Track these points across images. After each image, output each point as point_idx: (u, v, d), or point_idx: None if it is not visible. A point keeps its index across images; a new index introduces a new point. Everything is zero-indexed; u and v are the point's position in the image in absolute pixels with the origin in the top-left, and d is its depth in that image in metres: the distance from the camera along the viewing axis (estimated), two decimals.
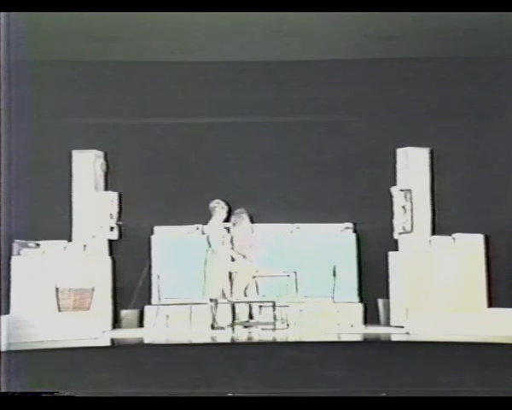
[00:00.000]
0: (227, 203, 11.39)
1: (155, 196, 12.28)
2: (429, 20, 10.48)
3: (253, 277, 11.28)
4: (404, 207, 11.69)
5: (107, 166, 12.17)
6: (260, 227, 12.08)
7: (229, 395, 7.22)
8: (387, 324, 11.54)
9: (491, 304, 11.20)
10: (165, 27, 10.85)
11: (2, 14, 8.02)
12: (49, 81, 11.97)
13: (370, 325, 11.64)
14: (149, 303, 11.83)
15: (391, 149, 11.91)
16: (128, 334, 10.88)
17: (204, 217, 11.40)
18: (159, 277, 11.76)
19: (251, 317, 11.09)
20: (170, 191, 12.33)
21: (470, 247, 11.33)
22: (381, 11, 9.62)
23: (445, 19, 10.38)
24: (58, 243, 11.52)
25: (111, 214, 11.93)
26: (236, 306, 10.90)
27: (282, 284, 11.12)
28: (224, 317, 10.90)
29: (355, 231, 12.15)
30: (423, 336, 9.60)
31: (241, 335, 10.24)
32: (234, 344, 9.25)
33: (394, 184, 11.86)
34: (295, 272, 11.21)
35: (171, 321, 11.49)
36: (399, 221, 11.71)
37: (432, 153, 11.92)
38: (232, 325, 10.69)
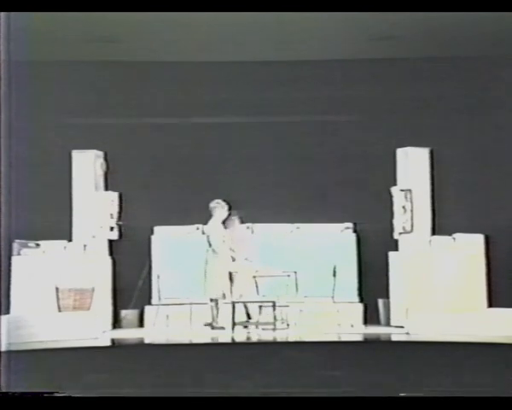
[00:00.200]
0: (227, 203, 11.39)
1: (155, 196, 12.28)
2: (429, 20, 10.48)
3: (253, 277, 11.28)
4: (404, 207, 11.70)
5: (107, 166, 12.17)
6: (260, 227, 12.09)
7: (229, 395, 7.22)
8: (387, 324, 11.55)
9: (491, 304, 11.20)
10: (166, 27, 10.85)
11: (2, 14, 8.02)
12: (49, 81, 11.97)
13: (370, 325, 11.65)
14: (149, 303, 11.84)
15: (391, 149, 11.92)
16: (128, 334, 10.88)
17: (204, 217, 11.40)
18: (159, 277, 11.76)
19: (249, 316, 11.08)
20: (170, 191, 12.33)
21: (470, 247, 11.34)
22: (381, 11, 9.62)
23: (445, 19, 10.37)
24: (58, 243, 11.53)
25: (111, 214, 11.95)
26: (236, 306, 10.90)
27: (282, 284, 11.12)
28: (223, 317, 10.90)
29: (355, 231, 12.16)
30: (423, 336, 9.59)
31: (241, 335, 10.25)
32: (234, 344, 9.25)
33: (394, 184, 11.87)
34: (295, 272, 11.20)
35: (171, 321, 11.49)
36: (399, 221, 11.71)
37: (432, 153, 11.93)
38: (232, 325, 10.68)
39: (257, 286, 11.39)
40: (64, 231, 11.67)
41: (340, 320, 11.42)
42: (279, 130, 12.45)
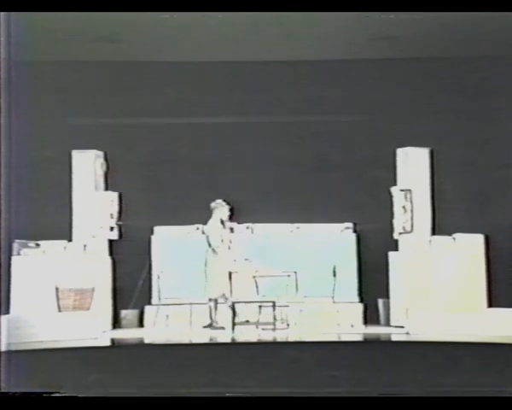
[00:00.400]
0: (228, 203, 11.38)
1: (155, 196, 12.28)
2: (429, 20, 10.48)
3: (253, 277, 11.28)
4: (404, 207, 11.69)
5: (107, 166, 12.17)
6: (260, 227, 12.09)
7: (229, 395, 7.22)
8: (387, 324, 11.54)
9: (491, 304, 11.20)
10: (166, 27, 10.84)
11: (2, 14, 8.02)
12: (49, 81, 11.97)
13: (370, 325, 11.64)
14: (149, 303, 11.83)
15: (391, 149, 11.92)
16: (128, 334, 10.87)
17: (204, 217, 11.39)
18: (159, 277, 11.76)
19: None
20: (170, 191, 12.32)
21: (470, 247, 11.33)
22: (381, 11, 9.62)
23: (445, 19, 10.37)
24: (58, 243, 11.52)
25: (111, 214, 11.94)
26: (236, 306, 10.90)
27: (282, 284, 11.12)
28: (224, 317, 10.91)
29: (355, 231, 12.16)
30: (423, 336, 9.59)
31: (242, 335, 10.25)
32: (234, 344, 9.25)
33: (394, 184, 11.87)
34: (295, 272, 11.21)
35: (171, 321, 11.49)
36: (399, 221, 11.71)
37: (432, 153, 11.93)
38: (232, 325, 10.69)
39: (257, 286, 11.39)
40: (64, 231, 11.67)
41: (340, 320, 11.42)
42: (279, 130, 12.45)
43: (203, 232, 11.59)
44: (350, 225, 12.15)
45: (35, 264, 11.28)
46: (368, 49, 11.86)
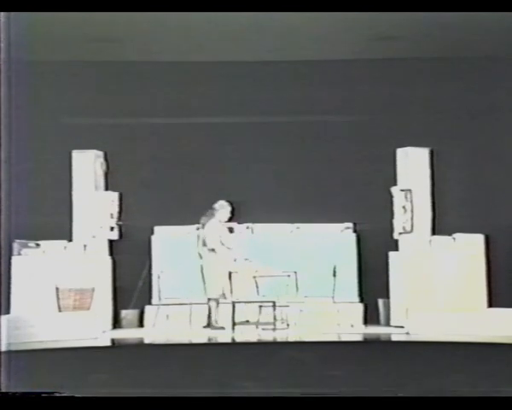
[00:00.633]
0: (230, 204, 11.38)
1: (155, 196, 12.28)
2: (429, 20, 10.47)
3: (253, 277, 11.28)
4: (404, 207, 11.70)
5: (107, 166, 12.18)
6: (260, 227, 12.09)
7: (229, 395, 7.21)
8: (387, 324, 11.54)
9: (491, 304, 11.21)
10: (166, 27, 10.85)
11: (2, 14, 8.02)
12: (49, 81, 11.97)
13: (370, 325, 11.64)
14: (149, 303, 11.83)
15: (391, 149, 11.92)
16: (128, 334, 10.88)
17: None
18: (159, 277, 11.76)
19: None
20: (170, 191, 12.32)
21: (470, 247, 11.34)
22: (381, 11, 9.61)
23: (445, 19, 10.37)
24: (58, 243, 11.52)
25: (111, 214, 11.95)
26: (236, 306, 10.90)
27: (282, 284, 11.12)
28: (223, 317, 10.90)
29: (355, 231, 12.16)
30: (423, 336, 9.60)
31: (242, 335, 10.25)
32: (234, 344, 9.25)
33: (394, 184, 11.87)
34: (295, 272, 11.21)
35: (171, 321, 11.49)
36: (399, 221, 11.72)
37: (432, 153, 11.93)
38: (232, 325, 10.68)
39: (257, 286, 11.39)
40: (64, 231, 11.67)
41: (340, 320, 11.42)
42: (279, 130, 12.45)
43: (197, 229, 11.41)
44: (350, 225, 12.14)
45: (35, 264, 11.29)
46: (368, 49, 11.85)
